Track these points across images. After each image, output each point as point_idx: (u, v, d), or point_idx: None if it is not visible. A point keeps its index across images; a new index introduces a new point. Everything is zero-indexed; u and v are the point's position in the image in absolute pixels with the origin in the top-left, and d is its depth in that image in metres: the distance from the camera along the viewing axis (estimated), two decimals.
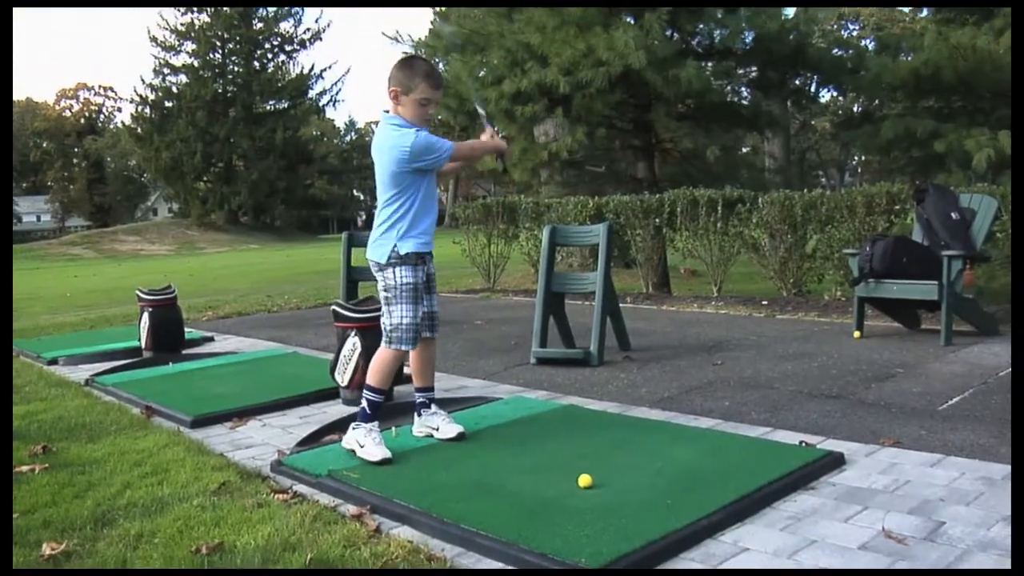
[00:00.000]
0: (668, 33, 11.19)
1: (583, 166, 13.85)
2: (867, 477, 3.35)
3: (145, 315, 6.99)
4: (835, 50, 12.85)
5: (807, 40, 11.83)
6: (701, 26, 11.98)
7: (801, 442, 3.79)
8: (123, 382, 5.98)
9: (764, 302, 8.92)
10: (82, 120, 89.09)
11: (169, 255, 45.40)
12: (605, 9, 10.83)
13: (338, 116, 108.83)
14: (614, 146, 13.74)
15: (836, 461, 3.52)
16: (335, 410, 4.93)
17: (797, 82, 13.57)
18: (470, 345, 7.08)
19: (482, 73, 12.26)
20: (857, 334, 6.60)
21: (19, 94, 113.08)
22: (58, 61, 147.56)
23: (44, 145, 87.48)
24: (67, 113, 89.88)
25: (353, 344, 4.76)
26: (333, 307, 4.95)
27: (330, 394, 5.20)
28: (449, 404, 4.58)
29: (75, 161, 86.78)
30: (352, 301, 5.31)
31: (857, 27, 45.91)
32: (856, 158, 57.25)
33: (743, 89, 13.64)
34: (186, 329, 7.76)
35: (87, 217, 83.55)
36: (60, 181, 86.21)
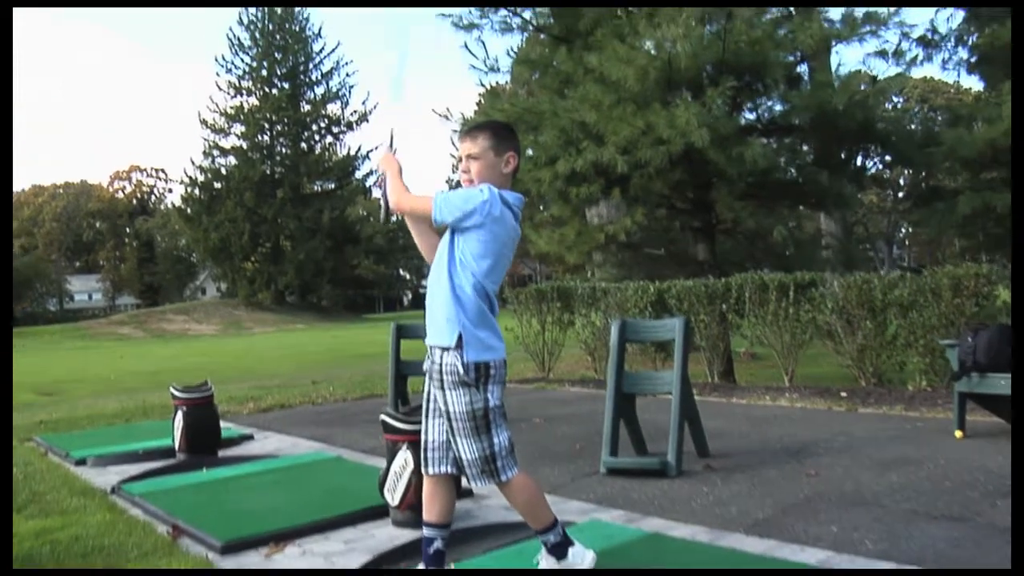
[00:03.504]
0: (727, 110, 10.74)
1: (641, 248, 13.34)
2: None
3: (179, 414, 6.50)
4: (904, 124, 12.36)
5: (874, 114, 11.31)
6: (762, 101, 11.54)
7: None
8: (151, 491, 5.45)
9: (843, 393, 8.26)
10: (134, 201, 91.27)
11: (216, 335, 45.44)
12: (664, 86, 10.39)
13: None
14: (673, 227, 13.23)
15: None
16: (384, 533, 4.34)
17: (859, 158, 13.07)
18: (531, 449, 6.39)
19: (530, 152, 11.84)
20: (959, 434, 5.97)
21: (75, 176, 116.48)
22: (112, 144, 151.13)
23: (97, 225, 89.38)
24: (120, 195, 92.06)
25: (404, 459, 4.19)
26: (382, 418, 4.38)
27: (378, 512, 4.61)
28: (513, 532, 3.99)
29: (126, 241, 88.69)
30: (403, 409, 4.76)
31: (901, 99, 45.46)
32: (903, 230, 56.43)
33: (806, 167, 13.14)
34: (225, 425, 7.29)
35: (137, 295, 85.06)
36: (112, 260, 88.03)
